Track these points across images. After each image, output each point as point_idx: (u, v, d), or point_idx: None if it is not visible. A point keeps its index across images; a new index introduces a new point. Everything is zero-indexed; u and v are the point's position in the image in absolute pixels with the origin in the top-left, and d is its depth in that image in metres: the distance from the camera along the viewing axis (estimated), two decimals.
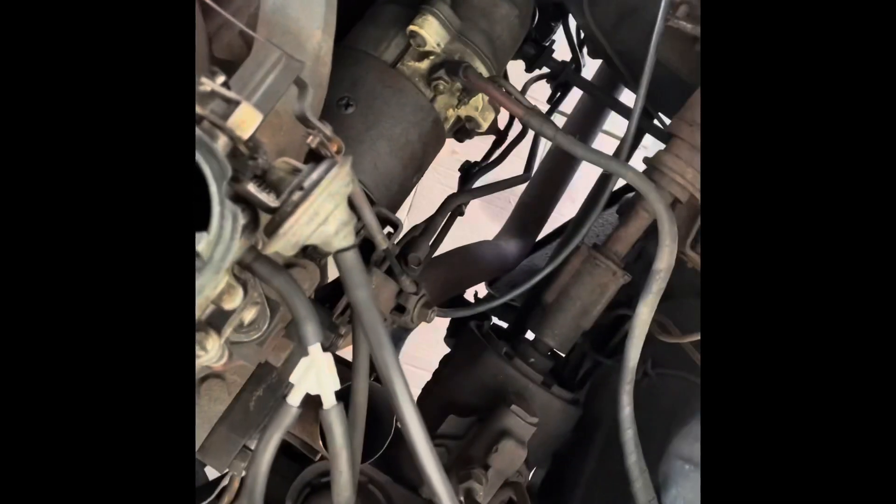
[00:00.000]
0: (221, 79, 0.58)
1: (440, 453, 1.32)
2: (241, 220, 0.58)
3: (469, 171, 1.90)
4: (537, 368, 1.38)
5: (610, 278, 1.37)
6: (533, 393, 1.34)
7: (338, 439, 0.72)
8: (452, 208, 1.47)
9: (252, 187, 0.61)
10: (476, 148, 1.84)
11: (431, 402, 1.37)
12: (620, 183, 1.79)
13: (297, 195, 0.62)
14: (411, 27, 1.25)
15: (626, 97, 1.90)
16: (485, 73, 1.30)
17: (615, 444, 1.23)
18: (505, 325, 1.86)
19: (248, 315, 0.66)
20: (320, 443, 1.04)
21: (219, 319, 0.64)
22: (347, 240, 0.67)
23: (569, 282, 1.40)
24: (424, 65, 1.30)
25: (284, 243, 0.63)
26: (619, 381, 1.16)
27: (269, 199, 0.62)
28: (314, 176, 0.63)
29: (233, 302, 0.64)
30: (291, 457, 1.22)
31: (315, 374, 0.72)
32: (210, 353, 0.62)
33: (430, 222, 1.38)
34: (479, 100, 1.36)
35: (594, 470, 1.40)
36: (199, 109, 0.59)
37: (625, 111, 1.78)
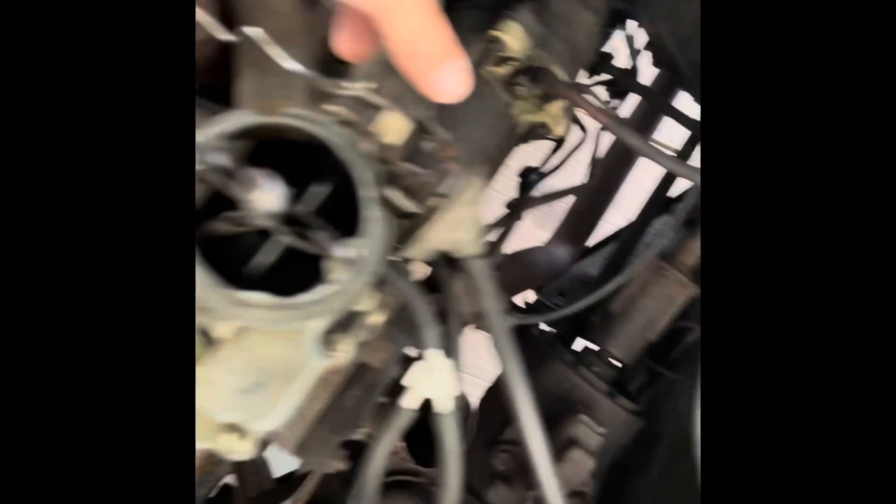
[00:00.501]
0: (373, 85, 0.59)
1: (504, 459, 1.32)
2: (388, 225, 0.58)
3: (528, 176, 1.90)
4: (602, 378, 1.37)
5: (679, 290, 1.36)
6: (599, 402, 1.34)
7: (450, 445, 0.72)
8: (519, 213, 1.47)
9: (395, 192, 0.61)
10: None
11: (494, 407, 1.37)
12: (677, 189, 1.78)
13: (436, 201, 0.62)
14: (494, 32, 1.25)
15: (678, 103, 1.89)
16: (559, 77, 1.29)
17: (681, 460, 1.23)
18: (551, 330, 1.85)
19: (377, 318, 0.67)
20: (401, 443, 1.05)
21: (350, 321, 0.64)
22: (478, 247, 0.67)
23: (636, 292, 1.39)
24: (504, 70, 1.30)
25: (422, 249, 0.63)
26: (692, 398, 1.15)
27: (408, 204, 0.62)
28: (454, 183, 0.63)
29: (366, 305, 0.64)
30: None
31: (432, 379, 0.72)
32: (343, 354, 0.62)
33: (495, 227, 1.38)
34: (556, 107, 1.36)
35: (657, 485, 1.39)
36: (348, 114, 0.59)
37: (686, 120, 1.77)
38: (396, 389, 1.09)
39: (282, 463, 1.35)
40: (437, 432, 0.72)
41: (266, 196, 0.48)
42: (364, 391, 0.91)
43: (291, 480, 1.40)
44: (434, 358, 0.71)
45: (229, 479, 1.49)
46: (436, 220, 0.60)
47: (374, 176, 0.57)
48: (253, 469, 1.24)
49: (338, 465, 0.92)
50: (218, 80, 0.95)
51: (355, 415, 0.90)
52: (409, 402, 0.72)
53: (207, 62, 0.91)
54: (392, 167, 0.63)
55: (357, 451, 1.10)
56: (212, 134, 0.53)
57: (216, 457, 1.12)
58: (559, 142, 1.77)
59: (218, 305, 0.53)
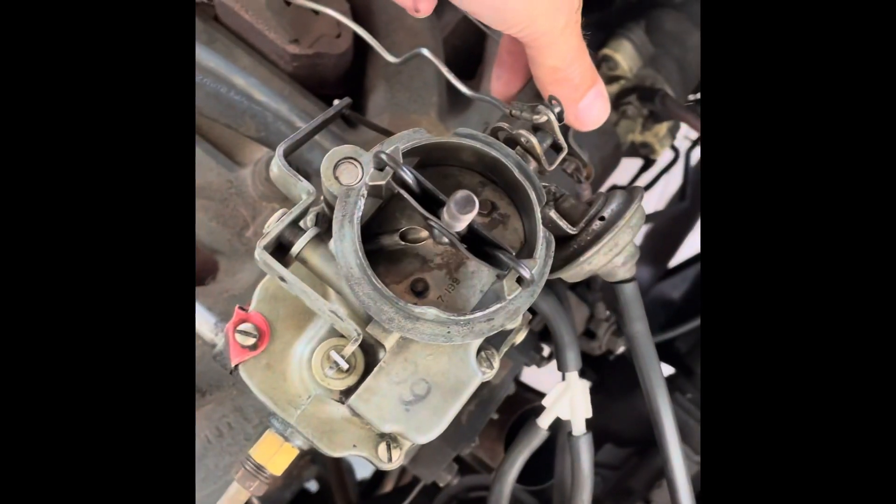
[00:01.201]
0: (556, 108, 0.59)
1: (595, 482, 1.30)
2: (553, 247, 0.58)
3: None
4: (695, 404, 1.35)
5: None
6: (692, 429, 1.31)
7: (585, 468, 0.72)
8: None
9: (554, 214, 0.62)
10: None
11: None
12: None
13: (597, 225, 0.62)
14: (605, 51, 1.25)
15: None
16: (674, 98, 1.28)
17: None
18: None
19: (520, 337, 0.67)
20: None
21: (498, 339, 0.65)
22: (631, 272, 0.67)
23: None
24: (613, 88, 1.29)
25: (578, 272, 0.63)
26: None
27: (567, 226, 0.62)
28: (614, 206, 0.63)
29: (515, 322, 0.64)
30: None
31: (569, 401, 0.72)
32: (495, 369, 0.62)
33: None
34: (663, 128, 1.35)
35: None
36: (520, 132, 0.60)
37: None
38: (502, 416, 1.09)
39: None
40: (572, 454, 0.72)
41: (465, 217, 0.48)
42: (479, 407, 0.92)
43: (378, 488, 1.41)
44: (573, 380, 0.71)
45: (311, 484, 1.52)
46: (599, 244, 0.60)
47: (539, 196, 0.58)
48: (346, 476, 1.26)
49: (449, 477, 0.92)
50: (347, 92, 0.97)
51: (471, 429, 0.91)
52: (545, 422, 0.72)
53: (341, 75, 0.93)
54: (551, 189, 0.63)
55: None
56: (393, 150, 0.54)
57: (303, 461, 1.14)
58: (648, 161, 1.76)
59: (393, 318, 0.54)
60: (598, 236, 0.61)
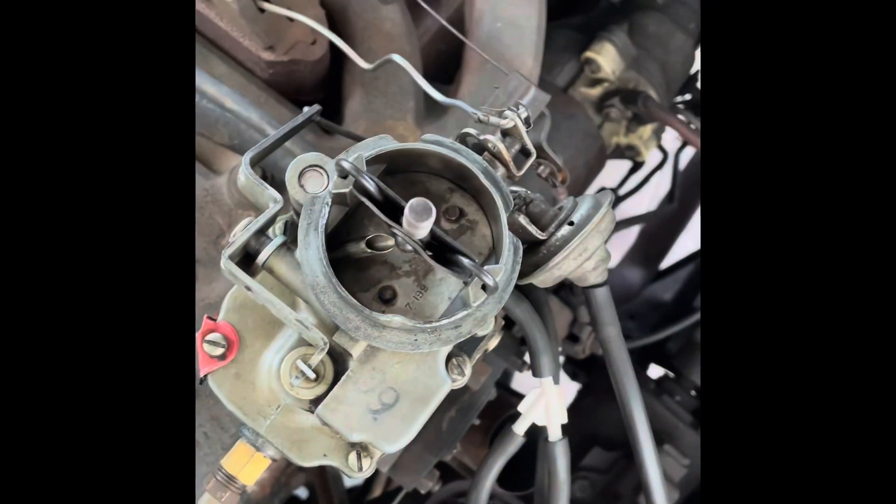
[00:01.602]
0: (523, 114, 0.59)
1: (583, 486, 1.30)
2: (520, 253, 0.58)
3: None
4: (685, 407, 1.34)
5: None
6: (682, 433, 1.31)
7: (561, 473, 0.71)
8: None
9: (523, 219, 0.61)
10: None
11: (572, 433, 1.35)
12: None
13: (565, 230, 0.62)
14: (588, 54, 1.25)
15: None
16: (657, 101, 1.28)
17: None
18: None
19: (493, 343, 0.67)
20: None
21: (470, 345, 0.64)
22: (602, 276, 0.66)
23: None
24: (596, 91, 1.29)
25: (547, 277, 0.63)
26: None
27: (536, 231, 0.62)
28: (583, 211, 0.62)
29: (486, 329, 0.64)
30: None
31: (544, 406, 0.71)
32: (466, 376, 0.62)
33: None
34: (647, 130, 1.35)
35: None
36: (487, 137, 0.60)
37: None
38: (486, 421, 1.09)
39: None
40: (548, 459, 0.72)
41: (423, 224, 0.48)
42: (460, 413, 0.91)
43: (366, 494, 1.40)
44: (548, 386, 0.71)
45: (301, 491, 1.51)
46: (567, 249, 0.60)
47: (506, 203, 0.57)
48: (330, 482, 1.25)
49: (431, 484, 0.92)
50: (325, 97, 0.97)
51: (451, 436, 0.90)
52: (521, 428, 0.72)
53: (318, 81, 0.93)
54: (521, 194, 0.63)
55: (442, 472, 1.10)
56: (356, 158, 0.54)
57: (291, 468, 1.14)
58: (637, 164, 1.76)
59: (359, 327, 0.54)
60: (566, 241, 0.61)
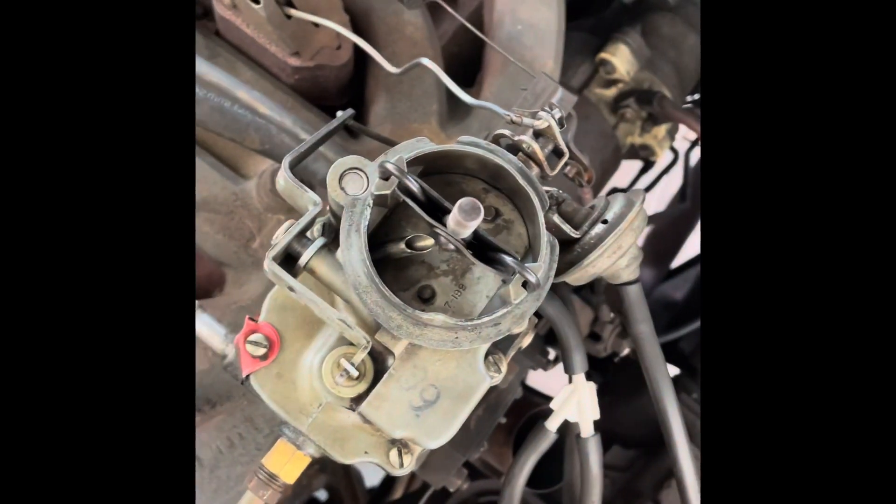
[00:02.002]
0: (557, 114, 0.60)
1: (604, 485, 1.31)
2: (556, 251, 0.59)
3: None
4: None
5: None
6: (699, 429, 1.32)
7: (594, 469, 0.72)
8: None
9: (557, 218, 0.62)
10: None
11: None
12: None
13: (599, 228, 0.63)
14: (602, 55, 1.26)
15: None
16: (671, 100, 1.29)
17: None
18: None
19: (527, 340, 0.68)
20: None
21: (505, 343, 0.65)
22: (634, 273, 0.67)
23: None
24: (611, 92, 1.31)
25: (582, 275, 0.64)
26: None
27: (570, 230, 0.63)
28: (617, 209, 0.63)
29: (522, 326, 0.65)
30: None
31: (576, 403, 0.72)
32: (503, 373, 0.63)
33: None
34: (662, 130, 1.36)
35: None
36: (521, 138, 0.61)
37: None
38: (510, 420, 1.10)
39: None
40: (581, 455, 0.73)
41: (471, 223, 0.49)
42: (487, 411, 0.92)
43: (387, 495, 1.41)
44: (580, 382, 0.72)
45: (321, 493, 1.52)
46: (602, 247, 0.61)
47: (542, 201, 0.59)
48: (355, 483, 1.26)
49: (459, 482, 0.93)
50: (349, 102, 0.98)
51: (479, 434, 0.91)
52: (554, 424, 0.73)
53: (342, 86, 0.94)
54: (553, 193, 0.64)
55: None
56: (398, 160, 0.55)
57: (312, 470, 1.15)
58: (647, 163, 1.77)
59: (401, 325, 0.55)
60: (601, 239, 0.62)
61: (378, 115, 0.93)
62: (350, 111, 0.69)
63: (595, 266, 0.63)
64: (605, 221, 0.63)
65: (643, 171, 1.93)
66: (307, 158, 0.77)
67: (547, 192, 0.66)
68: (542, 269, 0.56)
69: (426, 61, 0.73)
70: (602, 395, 1.48)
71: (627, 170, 2.00)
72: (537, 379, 1.54)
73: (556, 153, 0.64)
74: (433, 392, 0.59)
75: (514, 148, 0.62)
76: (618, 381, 1.44)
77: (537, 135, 0.63)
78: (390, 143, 0.82)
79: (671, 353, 1.59)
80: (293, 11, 0.85)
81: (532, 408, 1.07)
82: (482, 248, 0.54)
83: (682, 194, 1.74)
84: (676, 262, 2.13)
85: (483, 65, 0.98)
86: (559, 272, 0.64)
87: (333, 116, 0.89)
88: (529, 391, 1.19)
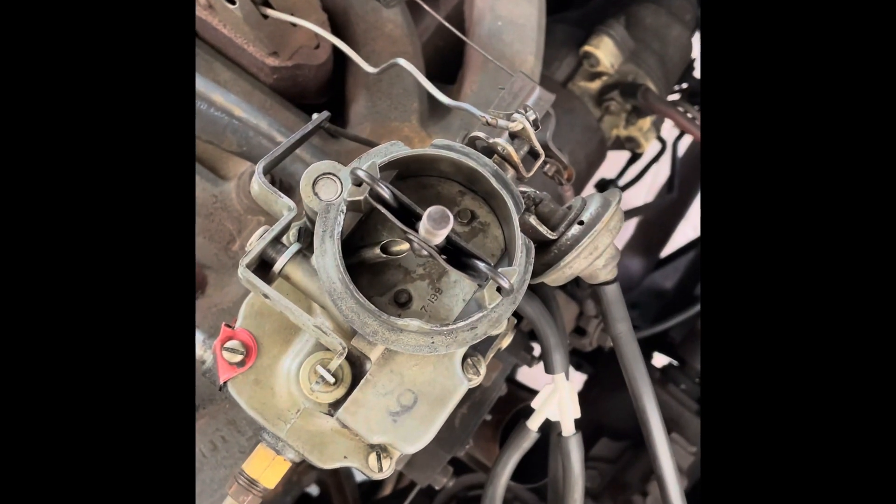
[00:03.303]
0: (531, 116, 0.59)
1: (592, 476, 1.32)
2: (532, 254, 0.59)
3: (605, 189, 1.89)
4: (690, 395, 1.36)
5: None
6: (688, 420, 1.32)
7: (576, 467, 0.72)
8: None
9: (533, 220, 0.62)
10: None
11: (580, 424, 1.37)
12: None
13: (576, 229, 0.63)
14: (586, 48, 1.26)
15: None
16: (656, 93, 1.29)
17: None
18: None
19: (506, 341, 0.68)
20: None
21: (484, 344, 0.65)
22: (612, 273, 0.67)
23: None
24: (595, 85, 1.30)
25: (559, 276, 0.64)
26: None
27: (547, 231, 0.63)
28: (592, 210, 0.63)
29: (500, 328, 0.65)
30: None
31: (557, 402, 0.72)
32: (481, 375, 0.63)
33: None
34: (647, 122, 1.36)
35: None
36: (496, 141, 0.61)
37: None
38: (496, 415, 1.10)
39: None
40: (563, 454, 0.73)
41: (441, 232, 0.49)
42: (472, 409, 0.93)
43: (378, 491, 1.42)
44: (560, 382, 0.72)
45: (312, 489, 1.53)
46: (578, 248, 0.61)
47: (517, 204, 0.58)
48: (343, 480, 1.27)
49: (444, 480, 0.93)
50: (329, 101, 0.98)
51: (464, 432, 0.92)
52: (535, 424, 0.73)
53: (322, 85, 0.94)
54: (530, 195, 0.64)
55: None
56: (370, 165, 0.55)
57: (302, 466, 1.15)
58: (635, 154, 1.77)
59: (377, 331, 0.55)
60: (577, 241, 0.62)
61: (358, 115, 0.92)
62: (326, 114, 0.68)
63: (572, 267, 0.62)
64: (581, 223, 0.63)
65: (630, 161, 1.93)
66: (286, 160, 0.77)
67: (524, 192, 0.65)
68: (516, 273, 0.56)
69: (402, 62, 0.72)
70: (590, 387, 1.49)
71: (616, 160, 2.01)
72: (525, 373, 1.54)
73: (533, 154, 0.64)
74: (410, 397, 0.59)
75: (490, 150, 0.62)
76: (607, 373, 1.45)
77: (513, 136, 0.63)
78: (369, 144, 0.82)
79: (662, 343, 1.60)
80: (270, 11, 0.84)
81: (518, 403, 1.07)
82: (456, 253, 0.54)
83: (670, 184, 1.74)
84: (666, 251, 2.14)
85: (464, 61, 0.98)
86: (536, 273, 0.64)
87: (312, 117, 0.89)
88: (517, 386, 1.19)
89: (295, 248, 0.59)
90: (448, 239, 0.53)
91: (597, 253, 0.62)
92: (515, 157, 0.60)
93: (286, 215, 0.59)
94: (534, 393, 1.24)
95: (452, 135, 0.90)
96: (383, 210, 0.52)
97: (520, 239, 0.57)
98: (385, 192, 0.52)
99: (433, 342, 0.56)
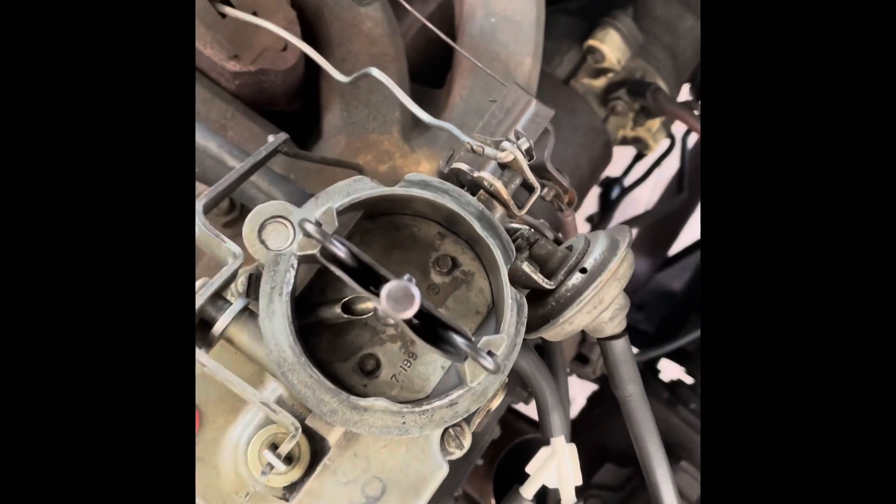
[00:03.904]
0: (524, 145, 0.49)
1: None
2: (525, 312, 0.49)
3: (610, 189, 1.78)
4: (699, 415, 1.26)
5: None
6: (697, 445, 1.23)
7: None
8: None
9: (527, 266, 0.52)
10: None
11: (581, 445, 1.28)
12: None
13: (577, 278, 0.53)
14: (590, 42, 1.14)
15: None
16: (667, 93, 1.18)
17: None
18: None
19: (496, 402, 0.58)
20: (493, 501, 0.96)
21: (473, 413, 0.56)
22: (620, 326, 0.57)
23: None
24: (601, 82, 1.19)
25: (557, 331, 0.54)
26: None
27: (543, 280, 0.53)
28: (597, 255, 0.53)
29: (485, 402, 0.55)
30: None
31: (555, 467, 0.63)
32: (465, 448, 0.54)
33: None
34: (656, 123, 1.25)
35: None
36: (481, 175, 0.50)
37: None
38: (490, 452, 1.01)
39: None
40: None
41: (405, 314, 0.38)
42: (462, 457, 0.83)
43: None
44: (560, 446, 0.63)
45: None
46: (580, 303, 0.51)
47: (507, 254, 0.48)
48: None
49: None
50: (301, 108, 0.87)
51: (453, 481, 0.82)
52: (529, 492, 0.63)
53: (292, 90, 0.83)
54: (523, 233, 0.54)
55: None
56: (325, 212, 0.45)
57: None
58: (641, 152, 1.66)
59: (336, 410, 0.45)
60: (578, 292, 0.52)
61: (332, 126, 0.82)
62: (282, 136, 0.58)
63: (572, 323, 0.53)
64: (583, 270, 0.52)
65: (637, 158, 1.82)
66: (245, 183, 0.67)
67: (515, 231, 0.55)
68: (504, 343, 0.46)
69: (375, 71, 0.62)
70: (592, 405, 1.39)
71: (621, 156, 1.90)
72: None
73: (526, 187, 0.53)
74: (377, 486, 0.49)
75: (475, 185, 0.52)
76: (609, 392, 1.35)
77: (502, 166, 0.52)
78: (339, 166, 0.72)
79: (674, 353, 1.50)
80: (228, 10, 0.74)
81: (515, 436, 0.98)
82: (430, 321, 0.44)
83: (679, 183, 1.64)
84: (673, 250, 2.04)
85: (453, 64, 0.87)
86: (531, 328, 0.54)
87: (284, 123, 0.78)
88: (513, 414, 1.10)
89: (240, 304, 0.49)
90: (421, 307, 0.43)
91: (602, 306, 0.52)
92: (505, 195, 0.50)
93: (230, 264, 0.49)
94: (532, 424, 1.15)
95: (439, 149, 0.79)
96: (338, 272, 0.42)
97: (509, 295, 0.47)
98: (339, 252, 0.42)
99: (405, 423, 0.46)
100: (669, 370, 1.54)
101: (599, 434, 1.29)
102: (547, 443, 0.63)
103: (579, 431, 1.34)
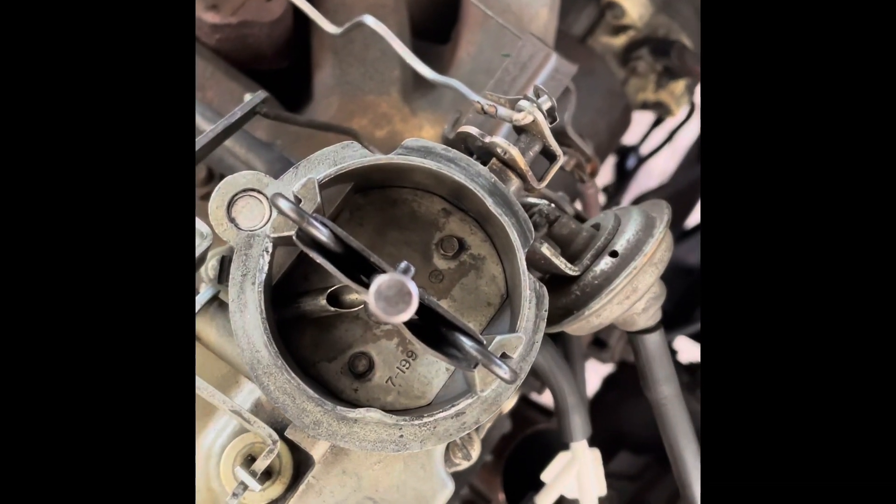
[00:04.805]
0: (545, 104, 0.41)
1: (609, 496, 1.16)
2: (546, 304, 0.41)
3: (626, 158, 1.70)
4: None
5: None
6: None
7: None
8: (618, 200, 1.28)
9: (546, 249, 0.44)
10: None
11: (596, 431, 1.22)
12: None
13: (606, 263, 0.45)
14: None
15: None
16: (693, 52, 1.08)
17: None
18: None
19: (509, 405, 0.51)
20: (502, 495, 0.90)
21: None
22: (655, 318, 0.49)
23: None
24: (620, 41, 1.09)
25: (583, 325, 0.46)
26: None
27: (566, 266, 0.45)
28: (630, 236, 0.45)
29: (497, 411, 0.47)
30: None
31: (576, 475, 0.56)
32: (474, 459, 0.46)
33: None
34: (680, 85, 1.15)
35: None
36: (494, 140, 0.42)
37: None
38: (499, 444, 0.94)
39: None
40: None
41: (399, 316, 0.31)
42: None
43: None
44: (580, 451, 0.55)
45: None
46: (611, 292, 0.43)
47: (525, 236, 0.40)
48: None
49: None
50: (291, 65, 0.79)
51: (459, 481, 0.75)
52: (547, 501, 0.56)
53: (280, 46, 0.74)
54: (542, 210, 0.46)
55: None
56: (305, 184, 0.37)
57: None
58: (659, 117, 1.56)
59: (319, 422, 0.37)
60: (608, 279, 0.44)
61: (324, 85, 0.73)
62: (261, 94, 0.50)
63: (601, 316, 0.45)
64: (613, 254, 0.44)
65: (655, 124, 1.73)
66: (223, 151, 0.59)
67: (534, 206, 0.47)
68: (521, 344, 0.37)
69: (370, 20, 0.53)
70: (608, 388, 1.32)
71: (639, 122, 1.80)
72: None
73: (547, 155, 0.45)
74: None
75: (487, 153, 0.43)
76: (627, 373, 1.28)
77: (519, 130, 0.44)
78: (329, 130, 0.63)
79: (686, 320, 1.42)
80: None
81: (526, 427, 0.91)
82: (432, 318, 0.36)
83: (700, 151, 1.54)
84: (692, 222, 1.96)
85: (460, 15, 0.78)
86: (551, 321, 0.46)
87: (272, 85, 0.70)
88: (524, 401, 1.02)
89: (207, 294, 0.42)
90: (421, 301, 0.35)
91: (636, 296, 0.44)
92: (522, 164, 0.42)
93: (198, 245, 0.41)
94: (544, 412, 1.08)
95: (444, 112, 0.71)
96: (318, 258, 0.34)
97: (527, 285, 0.39)
98: (320, 234, 0.33)
99: (402, 437, 0.39)
100: (688, 352, 1.46)
101: (615, 419, 1.22)
102: (566, 446, 0.55)
103: (593, 416, 1.27)
